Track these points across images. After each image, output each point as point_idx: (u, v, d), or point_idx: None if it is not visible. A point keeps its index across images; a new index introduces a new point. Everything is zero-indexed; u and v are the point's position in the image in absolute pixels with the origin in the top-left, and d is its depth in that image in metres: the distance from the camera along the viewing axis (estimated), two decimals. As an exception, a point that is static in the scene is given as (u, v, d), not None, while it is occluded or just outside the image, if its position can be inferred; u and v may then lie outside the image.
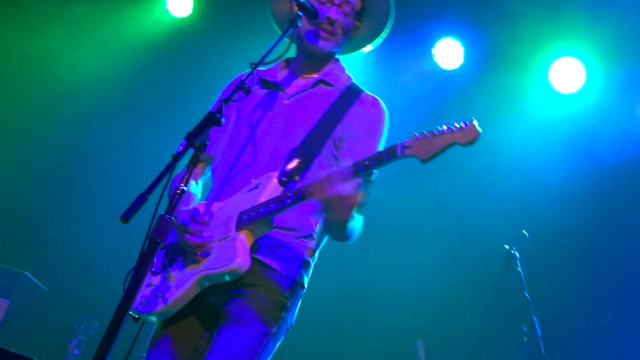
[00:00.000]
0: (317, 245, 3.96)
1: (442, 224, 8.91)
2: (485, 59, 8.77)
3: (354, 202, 3.46)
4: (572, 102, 8.55)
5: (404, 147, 3.34)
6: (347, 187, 3.39)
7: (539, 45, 8.50)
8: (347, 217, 3.50)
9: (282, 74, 4.26)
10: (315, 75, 4.17)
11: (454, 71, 8.84)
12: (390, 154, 3.38)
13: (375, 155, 3.39)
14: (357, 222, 3.63)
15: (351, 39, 4.30)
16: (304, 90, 4.11)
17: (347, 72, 4.29)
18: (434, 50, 8.83)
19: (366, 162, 3.39)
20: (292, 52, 4.31)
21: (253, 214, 3.59)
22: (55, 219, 9.51)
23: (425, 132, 3.32)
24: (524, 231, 7.42)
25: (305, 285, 3.87)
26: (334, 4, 4.14)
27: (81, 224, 9.38)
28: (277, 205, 3.55)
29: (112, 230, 7.84)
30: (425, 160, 3.31)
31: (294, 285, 3.77)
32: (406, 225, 8.84)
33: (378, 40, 4.41)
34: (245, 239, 3.58)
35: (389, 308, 8.92)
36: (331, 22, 4.09)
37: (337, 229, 3.61)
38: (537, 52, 8.56)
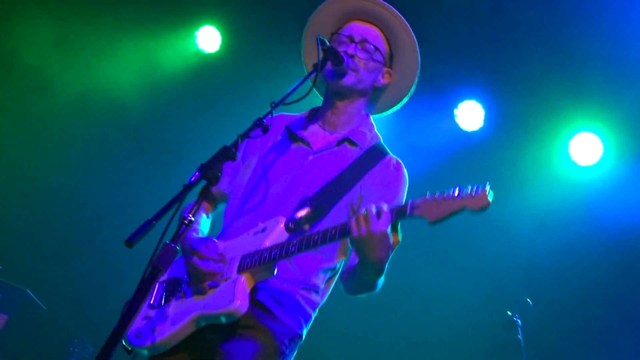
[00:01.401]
0: (321, 300, 3.93)
1: (448, 284, 8.85)
2: (505, 124, 8.78)
3: (394, 241, 3.43)
4: (588, 173, 8.54)
5: (413, 207, 3.32)
6: (386, 225, 3.36)
7: (559, 118, 8.52)
8: (385, 258, 3.44)
9: (309, 126, 4.25)
10: (341, 132, 4.16)
11: (474, 133, 8.86)
12: (399, 213, 3.37)
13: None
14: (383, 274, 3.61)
15: (381, 90, 4.32)
16: (329, 149, 4.09)
17: (375, 130, 4.27)
18: (456, 111, 8.88)
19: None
20: (319, 101, 4.34)
21: (256, 257, 3.56)
22: (61, 239, 9.51)
23: (436, 194, 3.29)
24: (528, 299, 7.38)
25: (304, 337, 3.83)
26: (353, 42, 4.17)
27: (86, 246, 9.39)
28: (280, 251, 3.51)
29: (116, 255, 7.85)
30: (433, 223, 3.27)
31: (294, 335, 3.73)
32: (409, 286, 8.78)
33: (408, 94, 4.39)
34: (245, 282, 3.54)
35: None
36: (350, 55, 4.11)
37: (370, 272, 3.52)
38: (557, 125, 8.57)
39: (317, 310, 3.92)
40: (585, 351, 8.48)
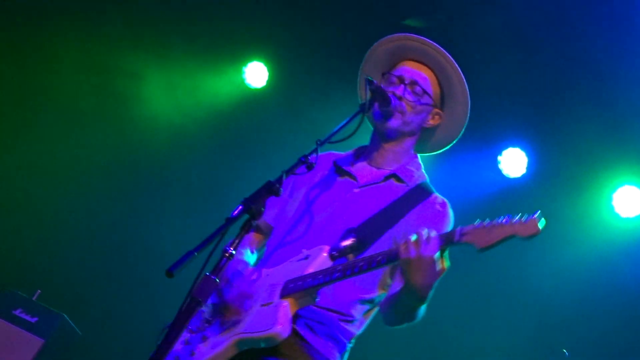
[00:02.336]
0: (357, 330, 3.90)
1: (481, 329, 8.75)
2: (547, 172, 8.73)
3: (441, 268, 3.40)
4: (631, 224, 8.45)
5: (462, 234, 3.31)
6: (435, 250, 3.35)
7: (602, 171, 8.45)
8: (431, 284, 3.42)
9: (356, 162, 4.28)
10: (388, 169, 4.17)
11: (516, 179, 8.82)
12: (447, 239, 3.36)
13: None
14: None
15: (430, 131, 4.34)
16: (375, 183, 4.11)
17: (422, 170, 4.28)
18: (500, 158, 8.86)
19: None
20: (366, 140, 4.35)
21: (300, 283, 3.55)
22: (101, 265, 9.58)
23: (485, 222, 3.28)
24: (564, 350, 7.28)
25: None
26: (403, 83, 4.18)
27: (127, 273, 9.44)
28: (324, 277, 3.51)
29: (156, 284, 7.87)
30: (482, 250, 3.26)
31: None
32: (440, 335, 8.68)
33: (458, 136, 4.41)
34: (288, 307, 3.52)
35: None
36: (398, 97, 4.12)
37: (415, 297, 3.50)
38: (600, 177, 8.50)
39: (354, 340, 3.89)
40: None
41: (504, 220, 3.26)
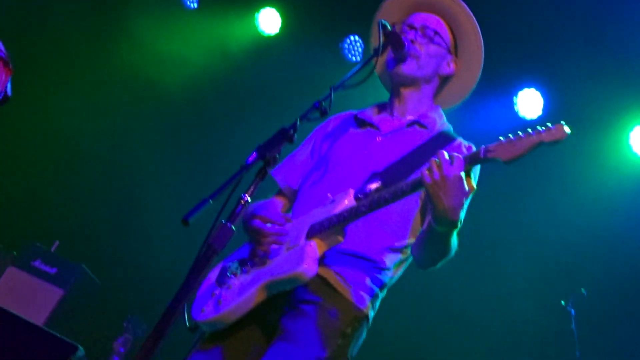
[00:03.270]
0: (390, 280, 3.85)
1: (500, 273, 8.77)
2: (563, 113, 8.65)
3: (469, 188, 3.31)
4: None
5: (487, 151, 3.26)
6: (460, 169, 3.29)
7: (618, 111, 8.38)
8: (460, 205, 3.31)
9: (377, 115, 4.22)
10: (411, 117, 4.12)
11: (532, 121, 8.76)
12: (472, 157, 3.31)
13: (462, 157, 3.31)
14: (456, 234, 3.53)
15: (447, 81, 4.30)
16: (399, 130, 4.06)
17: (445, 120, 4.22)
18: (515, 99, 8.81)
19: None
20: (385, 96, 4.32)
21: (326, 223, 3.52)
22: (118, 216, 9.64)
23: (511, 136, 3.22)
24: (583, 290, 7.30)
25: (370, 320, 3.73)
26: (413, 29, 4.14)
27: (143, 223, 9.49)
28: (349, 213, 3.48)
29: (173, 233, 7.90)
30: (507, 162, 3.22)
31: (359, 314, 3.64)
32: (461, 274, 8.70)
33: (474, 84, 4.34)
34: (315, 246, 3.50)
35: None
36: (410, 41, 4.08)
37: (445, 221, 3.35)
38: (616, 118, 8.44)
39: (386, 289, 3.84)
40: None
41: (530, 131, 3.20)
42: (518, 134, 3.22)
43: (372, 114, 4.23)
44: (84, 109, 9.72)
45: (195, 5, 9.73)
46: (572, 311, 7.23)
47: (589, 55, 8.26)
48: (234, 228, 2.97)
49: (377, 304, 3.80)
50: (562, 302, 7.33)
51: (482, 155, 3.28)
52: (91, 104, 9.75)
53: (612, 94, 8.28)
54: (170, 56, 9.63)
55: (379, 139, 4.03)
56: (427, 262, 3.76)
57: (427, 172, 3.30)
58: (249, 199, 3.08)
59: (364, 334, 3.72)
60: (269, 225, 3.64)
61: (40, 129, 9.76)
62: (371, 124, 4.12)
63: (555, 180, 8.26)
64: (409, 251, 3.88)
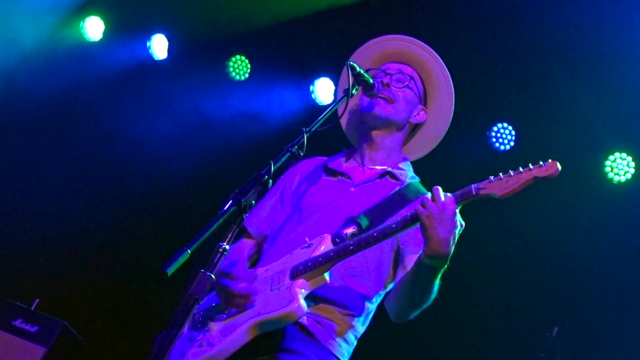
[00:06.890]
0: (363, 327, 3.89)
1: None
2: (536, 145, 8.71)
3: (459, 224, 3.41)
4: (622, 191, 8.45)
5: (478, 188, 3.35)
6: (454, 204, 3.38)
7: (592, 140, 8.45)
8: (453, 238, 3.39)
9: (347, 164, 4.25)
10: (382, 168, 4.15)
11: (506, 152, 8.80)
12: (463, 195, 3.39)
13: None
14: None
15: (415, 130, 4.34)
16: (371, 181, 4.09)
17: (414, 173, 4.26)
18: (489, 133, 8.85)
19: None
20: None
21: (310, 264, 3.53)
22: (97, 270, 9.56)
23: (500, 175, 3.34)
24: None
25: None
26: (387, 74, 4.18)
27: (123, 275, 9.42)
28: (336, 253, 3.50)
29: (155, 286, 7.86)
30: (502, 197, 3.31)
31: None
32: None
33: (442, 135, 4.40)
34: (302, 286, 3.50)
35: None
36: (385, 85, 4.11)
37: (438, 254, 3.39)
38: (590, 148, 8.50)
39: (359, 336, 3.88)
40: None
41: (521, 169, 3.31)
42: (509, 172, 3.33)
43: (342, 162, 4.26)
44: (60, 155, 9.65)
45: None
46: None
47: (561, 86, 8.34)
48: (212, 276, 2.96)
49: (352, 350, 3.84)
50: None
51: (474, 192, 3.37)
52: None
53: (583, 124, 8.33)
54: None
55: (352, 189, 4.05)
56: (404, 310, 3.79)
57: (421, 206, 3.37)
58: (227, 247, 3.07)
59: None
60: (237, 283, 3.64)
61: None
62: (343, 174, 4.14)
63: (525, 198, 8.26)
64: (377, 303, 3.92)
